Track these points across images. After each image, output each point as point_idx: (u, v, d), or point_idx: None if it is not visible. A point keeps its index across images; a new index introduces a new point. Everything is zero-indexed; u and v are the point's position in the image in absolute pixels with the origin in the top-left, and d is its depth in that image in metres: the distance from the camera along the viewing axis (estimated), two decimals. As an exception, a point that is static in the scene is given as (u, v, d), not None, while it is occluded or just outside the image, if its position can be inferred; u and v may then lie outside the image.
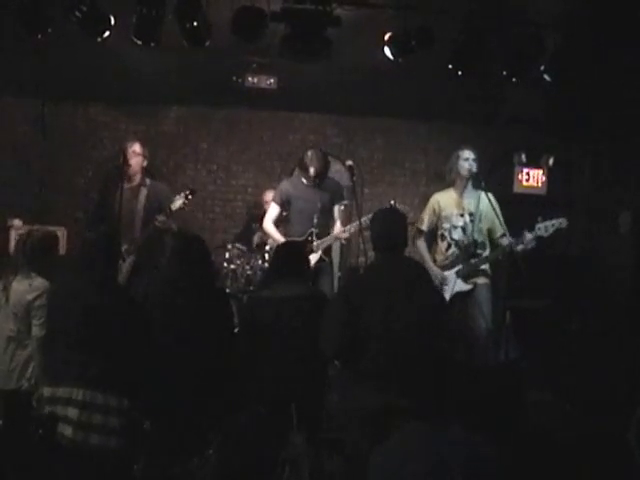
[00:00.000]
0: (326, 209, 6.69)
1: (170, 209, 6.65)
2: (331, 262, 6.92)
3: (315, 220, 6.57)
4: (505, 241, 6.21)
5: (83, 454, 4.10)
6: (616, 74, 6.83)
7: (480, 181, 6.32)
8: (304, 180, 6.67)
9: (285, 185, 6.98)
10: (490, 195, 6.33)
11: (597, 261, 8.95)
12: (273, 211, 6.84)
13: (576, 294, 8.51)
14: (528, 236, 6.07)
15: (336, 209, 6.81)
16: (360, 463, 3.75)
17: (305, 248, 5.95)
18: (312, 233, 6.58)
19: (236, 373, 4.66)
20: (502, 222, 6.27)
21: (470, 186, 6.43)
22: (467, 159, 6.39)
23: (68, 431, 4.11)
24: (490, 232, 6.42)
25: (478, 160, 6.38)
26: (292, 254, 5.10)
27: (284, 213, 6.88)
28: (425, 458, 2.84)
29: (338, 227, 6.76)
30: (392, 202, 6.58)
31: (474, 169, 6.35)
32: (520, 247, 6.09)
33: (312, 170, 6.54)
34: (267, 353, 4.63)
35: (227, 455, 4.34)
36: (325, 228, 6.72)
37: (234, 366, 4.66)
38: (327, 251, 6.78)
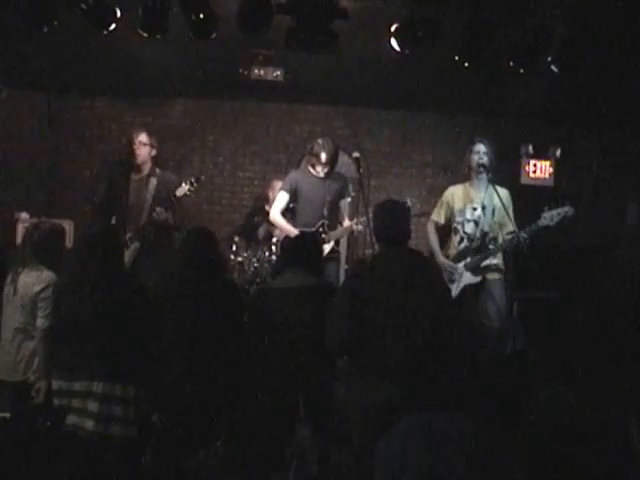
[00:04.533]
0: (334, 202, 6.70)
1: (175, 196, 6.65)
2: (339, 253, 6.93)
3: (325, 212, 6.58)
4: (508, 237, 6.24)
5: (103, 445, 4.14)
6: (624, 65, 6.81)
7: (489, 174, 6.33)
8: (313, 171, 6.67)
9: (294, 175, 6.98)
10: (504, 190, 6.36)
11: (604, 252, 8.93)
12: (282, 200, 6.81)
13: (583, 285, 8.49)
14: (522, 235, 6.08)
15: (343, 203, 6.82)
16: (367, 456, 3.76)
17: (318, 239, 5.95)
18: (324, 224, 6.60)
19: (244, 365, 4.66)
20: (512, 219, 6.28)
21: (484, 179, 6.43)
22: (478, 152, 6.39)
23: (89, 424, 4.15)
24: (500, 227, 6.43)
25: (491, 153, 6.38)
26: (303, 245, 5.10)
27: (291, 204, 6.87)
28: (428, 447, 2.84)
29: (347, 221, 6.77)
30: (408, 201, 6.54)
31: (484, 162, 6.35)
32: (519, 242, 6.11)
33: (324, 156, 6.52)
34: (275, 344, 4.64)
35: (235, 447, 4.35)
36: (334, 220, 6.73)
37: (243, 358, 4.66)
38: (337, 242, 6.80)
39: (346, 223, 6.77)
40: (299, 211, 6.78)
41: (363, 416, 4.12)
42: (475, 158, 6.40)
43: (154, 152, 6.93)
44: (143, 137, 6.84)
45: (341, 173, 6.94)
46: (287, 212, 6.91)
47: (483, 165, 6.36)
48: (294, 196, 6.76)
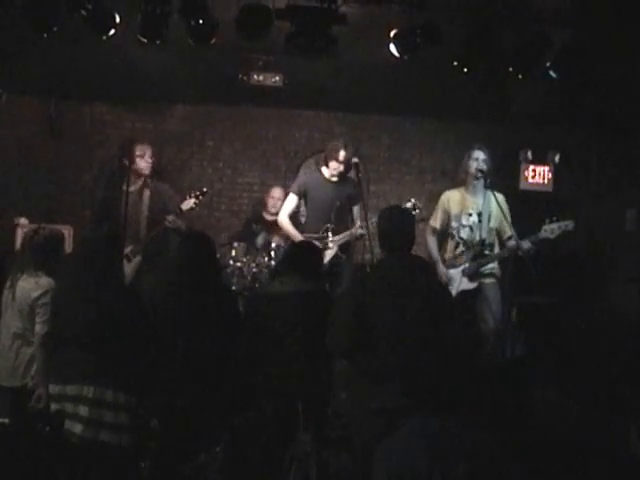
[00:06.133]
0: (343, 206, 6.66)
1: (181, 209, 6.69)
2: (349, 259, 6.84)
3: (332, 216, 6.56)
4: (511, 243, 6.27)
5: (93, 451, 4.12)
6: (623, 71, 6.81)
7: (487, 180, 6.36)
8: (325, 172, 6.66)
9: (303, 178, 6.98)
10: (500, 196, 6.41)
11: (603, 258, 8.93)
12: (290, 203, 6.80)
13: (582, 291, 8.49)
14: (526, 244, 6.11)
15: (355, 209, 6.75)
16: (367, 461, 3.75)
17: (318, 246, 5.91)
18: (328, 229, 6.57)
19: (243, 370, 4.66)
20: (510, 224, 6.31)
21: (480, 186, 6.46)
22: (476, 159, 6.43)
23: (78, 428, 4.13)
24: (498, 233, 6.47)
25: (489, 160, 6.42)
26: (302, 251, 5.11)
27: (300, 209, 6.87)
28: (427, 453, 2.84)
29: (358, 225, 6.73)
30: (412, 200, 6.50)
31: (482, 168, 6.38)
32: (520, 252, 6.17)
33: (342, 153, 6.53)
34: (272, 349, 4.64)
35: (234, 453, 4.35)
36: (342, 225, 6.69)
37: (241, 363, 4.66)
38: (345, 248, 6.73)
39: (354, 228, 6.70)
40: (308, 214, 6.77)
41: (363, 421, 4.12)
42: (474, 165, 6.43)
43: (151, 164, 6.99)
44: (146, 149, 6.88)
45: (353, 178, 6.93)
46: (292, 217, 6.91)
47: (481, 171, 6.39)
48: (304, 199, 6.75)
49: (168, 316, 4.49)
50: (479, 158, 6.44)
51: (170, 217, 6.63)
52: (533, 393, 5.14)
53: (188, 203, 6.74)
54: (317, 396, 4.58)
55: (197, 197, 6.75)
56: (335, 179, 6.64)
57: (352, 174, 6.80)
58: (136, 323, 4.34)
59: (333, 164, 6.58)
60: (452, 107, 8.36)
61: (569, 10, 6.16)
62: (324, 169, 6.71)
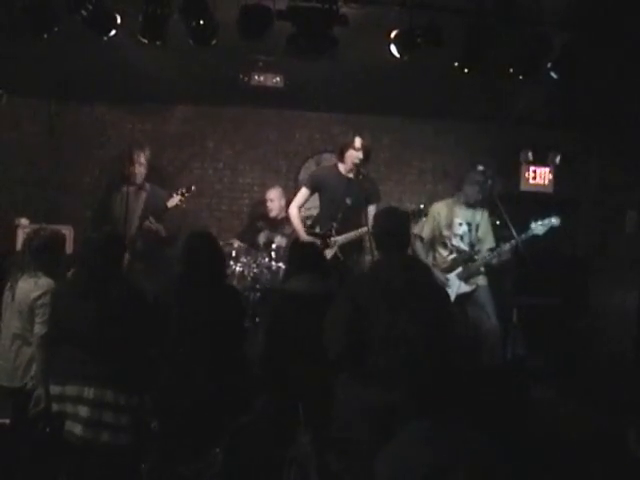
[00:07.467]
0: (354, 206, 6.53)
1: (166, 206, 6.76)
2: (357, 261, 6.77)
3: (340, 215, 6.51)
4: (498, 248, 6.70)
5: (93, 452, 4.13)
6: (624, 73, 6.81)
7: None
8: (341, 168, 6.64)
9: (318, 172, 6.98)
10: (485, 212, 6.85)
11: (603, 260, 8.93)
12: (302, 196, 6.79)
13: (582, 292, 8.50)
14: (505, 247, 6.57)
15: (372, 208, 6.51)
16: (366, 462, 3.75)
17: (316, 245, 5.88)
18: (332, 227, 6.53)
19: (245, 371, 4.66)
20: (493, 237, 6.84)
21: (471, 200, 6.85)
22: (478, 184, 6.77)
23: (78, 429, 4.14)
24: (481, 242, 6.80)
25: (492, 180, 6.69)
26: (306, 252, 5.11)
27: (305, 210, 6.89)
28: (427, 458, 2.84)
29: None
30: (422, 206, 6.42)
31: (479, 199, 6.83)
32: (496, 259, 6.66)
33: (358, 140, 6.53)
34: (284, 348, 4.64)
35: (234, 454, 4.34)
36: (348, 226, 6.55)
37: (243, 364, 4.65)
38: (348, 249, 6.61)
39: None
40: (320, 210, 6.77)
41: (362, 422, 4.11)
42: (474, 191, 6.81)
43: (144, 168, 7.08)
44: (142, 157, 6.96)
45: (371, 178, 6.85)
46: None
47: (478, 200, 6.82)
48: (316, 193, 6.75)
49: (173, 315, 4.48)
50: (480, 186, 6.75)
51: (151, 218, 6.73)
52: (533, 394, 5.15)
53: (173, 200, 6.82)
54: (318, 397, 4.57)
55: (183, 194, 6.84)
56: (352, 175, 6.58)
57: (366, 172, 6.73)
58: (136, 322, 4.34)
59: (351, 154, 6.50)
60: (453, 108, 8.35)
61: (569, 11, 6.15)
62: (340, 165, 6.68)
